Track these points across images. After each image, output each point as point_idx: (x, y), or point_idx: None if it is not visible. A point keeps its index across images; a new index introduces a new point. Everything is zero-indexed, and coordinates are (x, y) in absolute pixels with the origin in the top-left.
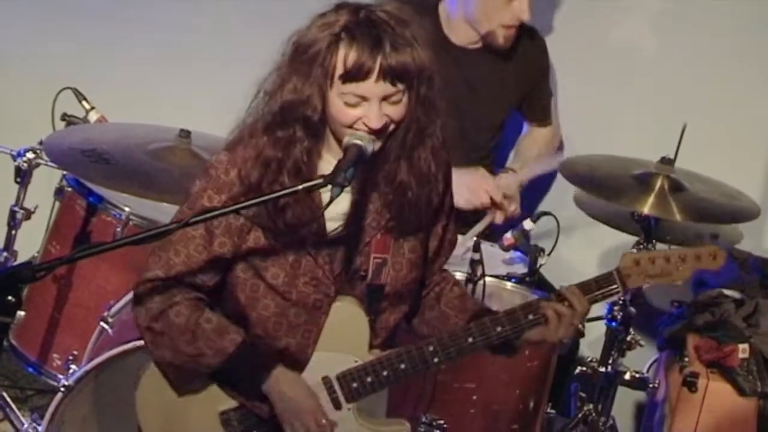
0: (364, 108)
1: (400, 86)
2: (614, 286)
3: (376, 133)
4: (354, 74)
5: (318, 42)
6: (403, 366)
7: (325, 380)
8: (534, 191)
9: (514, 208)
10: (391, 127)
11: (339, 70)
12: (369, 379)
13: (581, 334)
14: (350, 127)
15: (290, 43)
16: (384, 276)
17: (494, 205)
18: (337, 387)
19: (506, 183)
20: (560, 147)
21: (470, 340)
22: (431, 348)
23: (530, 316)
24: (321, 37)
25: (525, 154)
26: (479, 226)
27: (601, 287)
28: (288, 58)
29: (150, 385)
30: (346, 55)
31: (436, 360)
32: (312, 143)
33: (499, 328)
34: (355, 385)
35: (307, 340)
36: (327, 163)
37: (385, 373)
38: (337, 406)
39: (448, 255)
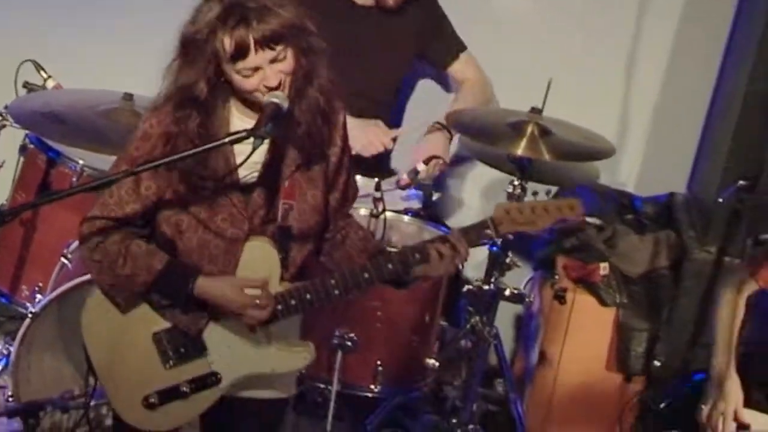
0: (259, 74)
1: (279, 47)
2: (488, 232)
3: (276, 89)
4: (237, 54)
5: (198, 34)
6: (308, 296)
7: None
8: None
9: (441, 167)
10: (288, 79)
11: (225, 54)
12: (279, 307)
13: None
14: (256, 92)
15: (179, 35)
16: (291, 219)
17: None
18: None
19: (435, 142)
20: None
21: (366, 275)
22: (333, 281)
23: (417, 255)
24: (200, 29)
25: (462, 97)
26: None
27: (478, 233)
28: (178, 49)
29: (93, 311)
30: (223, 41)
31: (336, 292)
32: (204, 118)
33: (390, 266)
34: None
35: (226, 268)
36: (240, 121)
37: (293, 302)
38: (252, 329)
39: (351, 204)
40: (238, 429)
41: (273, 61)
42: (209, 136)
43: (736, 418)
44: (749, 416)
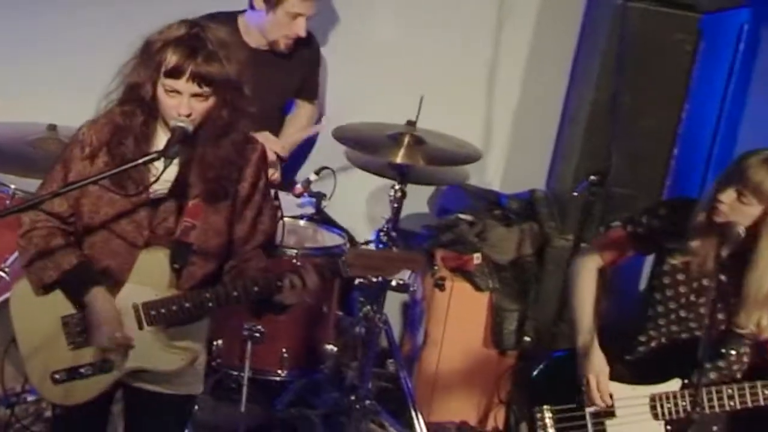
0: (178, 99)
1: (207, 89)
2: (339, 271)
3: (186, 117)
4: (171, 72)
5: (156, 43)
6: (187, 305)
7: (134, 306)
8: (311, 152)
9: (273, 173)
10: (198, 117)
11: (163, 68)
12: (163, 311)
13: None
14: (169, 112)
15: (143, 41)
16: (192, 237)
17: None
18: (141, 312)
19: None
20: (319, 118)
21: (235, 293)
22: (207, 295)
23: (278, 283)
24: (159, 40)
25: (288, 128)
26: None
27: (331, 270)
28: (138, 52)
29: (19, 293)
30: (169, 58)
31: (210, 304)
32: (146, 117)
33: (255, 288)
34: (153, 313)
35: (123, 267)
36: (161, 139)
37: (174, 308)
38: (140, 327)
39: (261, 241)
40: (151, 418)
41: (195, 95)
42: (149, 137)
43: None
44: (612, 388)
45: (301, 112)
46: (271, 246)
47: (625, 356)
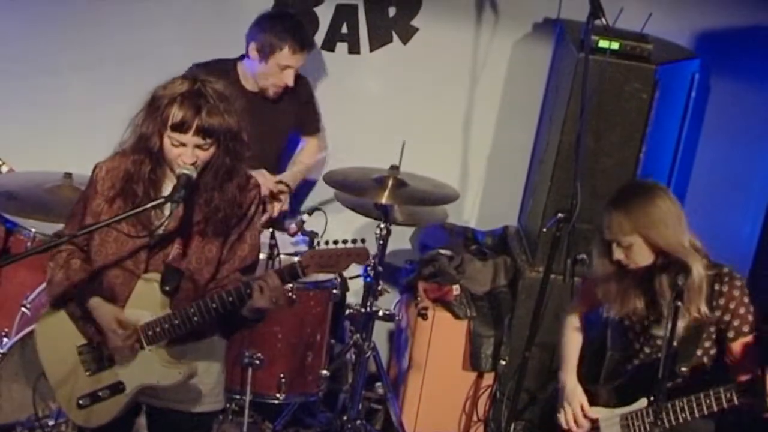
0: (183, 149)
1: (209, 140)
2: (297, 272)
3: (191, 165)
4: (177, 127)
5: (162, 99)
6: (176, 321)
7: (134, 329)
8: (307, 195)
9: (282, 205)
10: (201, 164)
11: (169, 122)
12: (158, 329)
13: (347, 288)
14: (175, 161)
15: (151, 92)
16: (184, 263)
17: (273, 197)
18: (141, 334)
19: (280, 188)
20: (324, 157)
21: (213, 305)
22: (192, 310)
23: (247, 290)
24: (165, 95)
25: (299, 159)
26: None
27: (289, 273)
28: (146, 104)
29: (42, 332)
30: (175, 113)
31: (195, 319)
32: (154, 165)
33: (230, 298)
34: (150, 332)
35: (122, 293)
36: (168, 184)
37: (166, 325)
38: (141, 347)
39: (236, 266)
40: None
41: (197, 146)
42: (157, 183)
43: (585, 416)
44: (597, 412)
45: (308, 146)
46: (248, 273)
47: (609, 384)
